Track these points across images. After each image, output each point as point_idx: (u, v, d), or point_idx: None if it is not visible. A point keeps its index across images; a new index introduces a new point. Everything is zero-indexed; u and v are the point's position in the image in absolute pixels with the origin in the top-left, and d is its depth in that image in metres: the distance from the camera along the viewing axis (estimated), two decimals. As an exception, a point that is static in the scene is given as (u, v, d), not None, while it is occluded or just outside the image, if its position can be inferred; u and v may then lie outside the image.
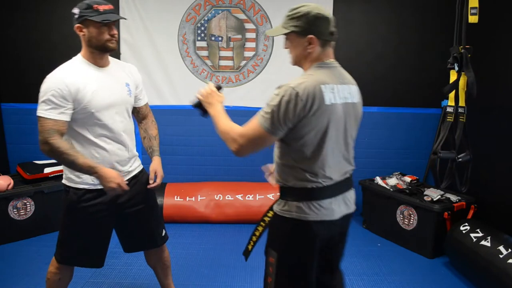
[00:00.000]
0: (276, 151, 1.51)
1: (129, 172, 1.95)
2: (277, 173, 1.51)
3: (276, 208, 1.52)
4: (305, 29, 1.40)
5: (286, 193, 1.47)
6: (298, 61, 1.50)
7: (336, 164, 1.46)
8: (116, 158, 1.86)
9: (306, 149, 1.38)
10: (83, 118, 1.76)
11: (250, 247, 1.68)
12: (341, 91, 1.42)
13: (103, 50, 1.77)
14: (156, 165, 2.03)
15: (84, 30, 1.73)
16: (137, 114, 2.09)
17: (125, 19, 1.90)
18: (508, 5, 2.98)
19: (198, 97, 1.67)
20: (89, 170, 1.71)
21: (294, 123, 1.34)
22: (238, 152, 1.41)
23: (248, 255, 1.70)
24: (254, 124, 1.38)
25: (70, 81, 1.69)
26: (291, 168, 1.43)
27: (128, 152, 1.92)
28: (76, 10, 1.72)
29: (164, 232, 2.15)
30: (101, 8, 1.72)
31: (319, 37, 1.41)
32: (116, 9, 3.66)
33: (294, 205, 1.43)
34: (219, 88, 1.66)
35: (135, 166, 2.00)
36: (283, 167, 1.46)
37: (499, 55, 3.10)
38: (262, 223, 1.63)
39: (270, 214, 1.58)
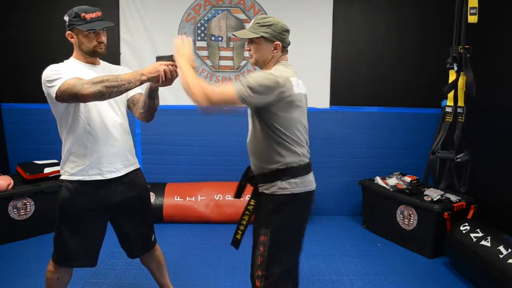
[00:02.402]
0: (257, 140, 1.75)
1: (125, 165, 1.95)
2: (264, 159, 1.73)
3: (267, 191, 1.72)
4: (273, 36, 1.69)
5: (278, 174, 1.69)
6: (260, 62, 1.75)
7: (306, 144, 1.77)
8: (108, 149, 1.87)
9: (291, 130, 1.65)
10: (76, 109, 1.79)
11: (239, 236, 1.89)
12: (300, 83, 1.70)
13: (93, 55, 1.85)
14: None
15: (74, 37, 1.82)
16: (132, 103, 2.03)
17: (112, 25, 1.86)
18: (508, 6, 2.98)
19: (174, 48, 1.68)
20: (137, 79, 1.67)
21: (271, 104, 1.58)
22: (206, 108, 1.54)
23: (238, 244, 1.90)
24: (231, 91, 1.54)
25: (61, 67, 1.76)
26: (283, 149, 1.67)
27: (123, 144, 1.92)
28: (66, 18, 1.81)
29: (153, 237, 2.16)
30: (88, 16, 1.77)
31: (283, 44, 1.73)
32: (116, 9, 3.67)
33: (289, 182, 1.68)
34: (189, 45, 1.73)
35: (131, 161, 2.00)
36: (273, 150, 1.68)
37: (499, 55, 3.10)
38: (247, 212, 1.87)
39: (252, 202, 1.83)
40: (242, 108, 1.63)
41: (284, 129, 1.66)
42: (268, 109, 1.61)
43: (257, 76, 1.56)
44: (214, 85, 1.56)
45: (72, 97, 1.65)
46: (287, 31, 1.76)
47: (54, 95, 1.67)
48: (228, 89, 1.55)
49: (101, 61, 1.97)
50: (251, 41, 1.73)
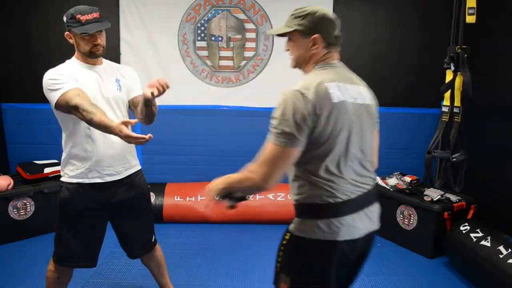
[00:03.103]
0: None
1: (125, 168, 1.95)
2: (291, 188, 1.36)
3: (291, 228, 1.35)
4: (310, 28, 1.32)
5: (302, 210, 1.32)
6: (299, 63, 1.40)
7: (354, 173, 1.30)
8: (108, 152, 1.86)
9: (319, 157, 1.25)
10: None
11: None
12: (350, 90, 1.31)
13: (90, 57, 1.84)
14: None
15: (72, 38, 1.83)
16: (133, 106, 2.01)
17: (108, 27, 1.83)
18: (506, 6, 2.98)
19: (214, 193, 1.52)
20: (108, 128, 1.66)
21: (308, 127, 1.20)
22: (264, 182, 1.23)
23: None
24: (268, 147, 1.23)
25: (61, 72, 1.77)
26: (306, 180, 1.28)
27: (123, 147, 1.92)
28: (64, 19, 1.81)
29: (153, 237, 2.16)
30: (83, 18, 1.74)
31: (324, 37, 1.33)
32: (116, 9, 3.66)
33: (311, 223, 1.27)
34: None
35: (132, 164, 2.00)
36: (297, 180, 1.31)
37: (496, 55, 3.10)
38: (281, 247, 1.42)
39: (287, 236, 1.38)
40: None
41: (308, 152, 1.26)
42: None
43: (277, 110, 1.24)
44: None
45: (69, 111, 1.71)
46: (329, 20, 1.36)
47: (53, 106, 1.73)
48: (265, 149, 1.24)
49: (104, 60, 1.95)
50: (288, 38, 1.41)
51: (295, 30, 1.35)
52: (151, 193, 2.97)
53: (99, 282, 2.61)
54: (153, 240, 2.14)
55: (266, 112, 3.81)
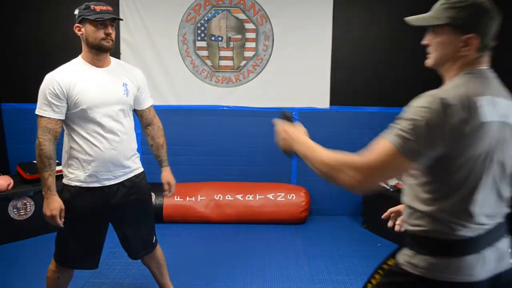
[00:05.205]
0: (406, 186, 1.17)
1: (125, 173, 1.95)
2: (407, 215, 1.15)
3: (400, 258, 1.15)
4: (467, 25, 1.06)
5: (417, 242, 1.11)
6: (441, 63, 1.14)
7: (489, 206, 1.07)
8: (110, 156, 1.86)
9: (451, 184, 1.03)
10: (76, 114, 1.80)
11: None
12: (503, 106, 1.04)
13: (99, 49, 1.82)
14: (167, 175, 2.12)
15: (82, 29, 1.80)
16: (141, 118, 2.10)
17: (120, 19, 1.95)
18: (507, 5, 2.98)
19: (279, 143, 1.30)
20: (44, 186, 1.80)
21: (443, 145, 0.98)
22: (360, 185, 1.03)
23: None
24: (383, 147, 1.01)
25: (61, 78, 1.77)
26: (426, 210, 1.07)
27: (124, 152, 1.91)
28: (76, 11, 1.81)
29: (154, 238, 2.16)
30: (98, 8, 1.79)
31: (481, 38, 1.06)
32: (116, 9, 3.67)
33: (424, 258, 1.08)
34: (288, 118, 1.29)
35: (133, 168, 1.99)
36: (416, 207, 1.10)
37: (496, 55, 3.09)
38: (380, 271, 1.26)
39: (391, 262, 1.21)
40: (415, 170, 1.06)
41: (435, 177, 1.05)
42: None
43: (411, 109, 1.03)
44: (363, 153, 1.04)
45: (37, 133, 1.80)
46: (493, 16, 1.08)
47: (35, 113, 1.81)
48: (380, 147, 1.02)
49: (113, 59, 1.94)
50: (432, 30, 1.16)
51: (446, 24, 1.09)
52: (151, 193, 2.97)
53: (99, 282, 2.61)
54: (153, 241, 2.14)
55: (266, 112, 3.84)
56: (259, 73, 3.85)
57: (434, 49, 1.15)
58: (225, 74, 3.86)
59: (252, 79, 3.85)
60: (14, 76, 3.83)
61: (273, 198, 3.58)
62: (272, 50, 3.82)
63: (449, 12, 1.08)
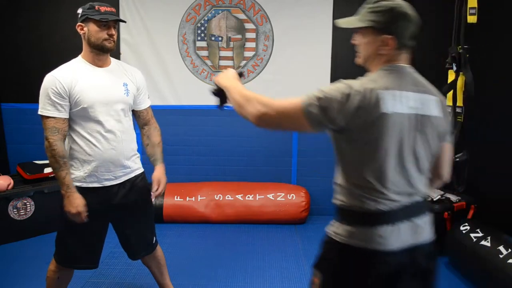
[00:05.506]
0: (337, 168, 1.32)
1: (125, 173, 1.95)
2: (334, 191, 1.33)
3: (328, 229, 1.33)
4: (385, 27, 1.21)
5: (339, 214, 1.29)
6: (367, 61, 1.29)
7: (400, 184, 1.22)
8: (110, 156, 1.86)
9: (361, 163, 1.20)
10: (76, 113, 1.80)
11: None
12: (410, 99, 1.20)
13: (101, 50, 1.82)
14: (159, 173, 2.07)
15: (85, 28, 1.80)
16: (138, 119, 2.09)
17: (124, 21, 1.95)
18: (507, 5, 2.98)
19: (214, 81, 1.49)
20: (62, 186, 1.79)
21: (342, 123, 1.15)
22: (259, 118, 1.21)
23: None
24: (294, 100, 1.19)
25: (62, 77, 1.77)
26: (346, 187, 1.25)
27: (124, 152, 1.91)
28: (79, 10, 1.81)
29: (154, 239, 2.16)
30: (103, 9, 1.79)
31: (398, 38, 1.21)
32: (116, 9, 3.65)
33: (345, 228, 1.25)
34: (240, 74, 1.51)
35: (133, 168, 1.99)
36: (339, 184, 1.29)
37: (498, 55, 3.10)
38: (322, 245, 1.42)
39: (327, 238, 1.37)
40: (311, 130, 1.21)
41: (350, 159, 1.23)
42: (344, 131, 1.19)
43: (328, 86, 1.20)
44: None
45: (44, 134, 1.81)
46: (409, 18, 1.22)
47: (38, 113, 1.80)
48: (292, 100, 1.20)
49: (113, 60, 1.95)
50: (358, 31, 1.30)
51: (368, 26, 1.24)
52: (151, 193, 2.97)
53: (99, 282, 2.61)
54: (154, 242, 2.14)
55: (266, 112, 3.83)
56: (259, 73, 3.85)
57: (361, 49, 1.30)
58: (225, 74, 3.86)
59: (252, 79, 3.86)
60: (14, 76, 3.83)
61: (273, 198, 3.59)
62: (272, 50, 3.82)
63: (371, 16, 1.23)
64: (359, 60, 1.32)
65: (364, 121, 1.14)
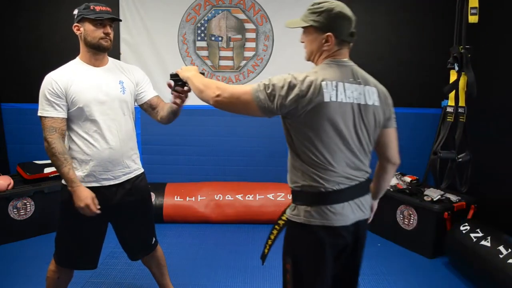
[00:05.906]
0: (288, 154, 1.45)
1: (125, 173, 1.94)
2: (288, 175, 1.46)
3: (287, 212, 1.46)
4: (325, 26, 1.36)
5: (296, 196, 1.42)
6: (311, 57, 1.45)
7: (346, 166, 1.38)
8: (108, 156, 1.86)
9: (311, 147, 1.33)
10: (73, 113, 1.81)
11: (266, 250, 1.68)
12: (351, 90, 1.35)
13: (98, 49, 1.83)
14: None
15: (81, 28, 1.81)
16: (151, 109, 2.03)
17: (120, 20, 1.94)
18: (508, 5, 2.98)
19: (177, 71, 1.72)
20: (67, 182, 1.78)
21: (287, 109, 1.30)
22: (216, 100, 1.37)
23: (265, 258, 1.70)
24: (247, 87, 1.34)
25: (59, 78, 1.79)
26: (300, 170, 1.38)
27: (122, 151, 1.91)
28: (75, 11, 1.82)
29: (154, 239, 2.15)
30: (98, 8, 1.80)
31: (337, 36, 1.36)
32: (116, 9, 3.66)
33: (303, 209, 1.38)
34: (201, 73, 1.63)
35: (133, 168, 1.99)
36: (293, 168, 1.42)
37: (499, 55, 3.10)
38: (276, 226, 1.61)
39: (284, 217, 1.51)
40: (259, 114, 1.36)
41: (300, 144, 1.36)
42: (290, 117, 1.34)
43: (276, 76, 1.34)
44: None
45: (43, 135, 1.82)
46: (345, 17, 1.37)
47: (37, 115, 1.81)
48: (245, 86, 1.36)
49: (110, 59, 1.94)
50: (304, 31, 1.45)
51: (310, 26, 1.39)
52: (151, 193, 2.97)
53: (99, 282, 2.61)
54: (153, 242, 2.14)
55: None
56: (259, 73, 3.85)
57: (306, 46, 1.45)
58: (225, 74, 3.87)
59: (252, 79, 3.86)
60: (14, 76, 3.83)
61: (273, 198, 3.58)
62: (272, 50, 3.82)
63: (311, 16, 1.38)
64: (305, 57, 1.47)
65: (306, 109, 1.28)
